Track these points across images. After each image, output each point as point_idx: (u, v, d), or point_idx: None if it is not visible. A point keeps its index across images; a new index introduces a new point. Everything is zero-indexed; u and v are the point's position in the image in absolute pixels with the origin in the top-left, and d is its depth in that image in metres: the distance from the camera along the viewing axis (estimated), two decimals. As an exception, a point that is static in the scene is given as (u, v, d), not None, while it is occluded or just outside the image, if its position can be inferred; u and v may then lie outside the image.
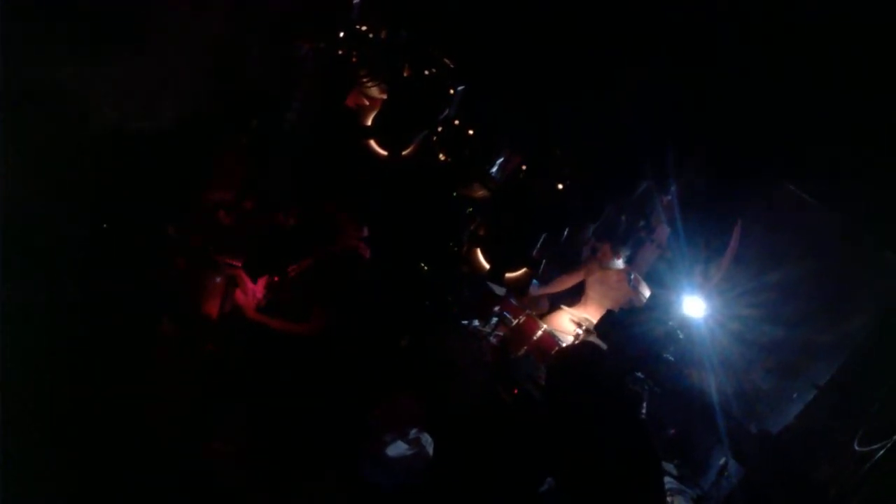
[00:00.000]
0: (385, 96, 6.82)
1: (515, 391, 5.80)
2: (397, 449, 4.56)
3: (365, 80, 6.75)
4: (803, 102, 5.52)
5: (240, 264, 4.91)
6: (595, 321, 6.43)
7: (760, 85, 5.65)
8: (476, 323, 6.52)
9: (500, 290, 6.76)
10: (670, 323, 6.04)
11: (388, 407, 4.85)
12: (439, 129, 6.66)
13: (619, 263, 6.86)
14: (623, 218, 7.14)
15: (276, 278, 4.87)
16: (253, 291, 4.81)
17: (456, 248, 6.55)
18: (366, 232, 4.98)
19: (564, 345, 6.18)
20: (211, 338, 4.86)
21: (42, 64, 4.74)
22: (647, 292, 6.87)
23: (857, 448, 5.18)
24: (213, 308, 4.91)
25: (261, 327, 4.65)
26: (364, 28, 6.64)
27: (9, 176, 4.39)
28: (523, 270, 6.61)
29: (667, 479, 5.50)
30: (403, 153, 6.76)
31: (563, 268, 7.16)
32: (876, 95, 5.16)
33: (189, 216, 5.34)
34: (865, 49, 5.00)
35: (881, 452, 5.00)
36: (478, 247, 6.63)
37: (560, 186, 6.27)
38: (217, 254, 5.00)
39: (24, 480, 3.57)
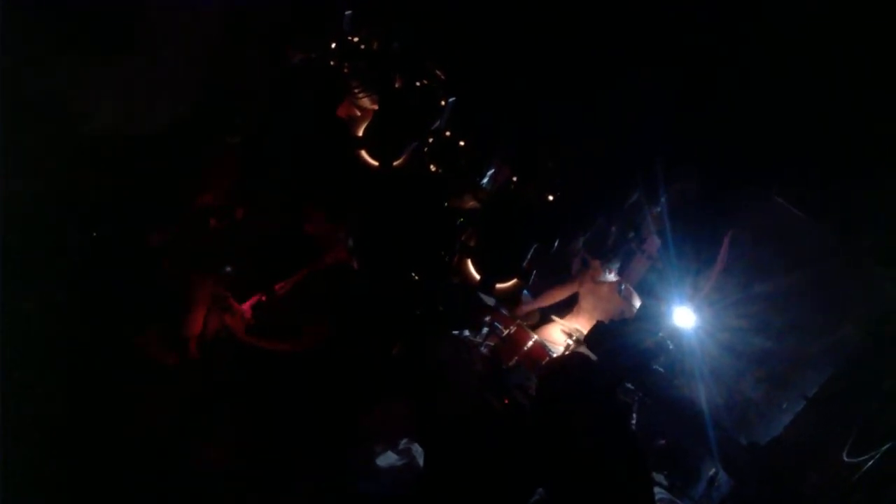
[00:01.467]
0: (376, 107, 6.83)
1: (506, 401, 5.79)
2: (387, 459, 4.55)
3: (356, 90, 6.75)
4: (791, 115, 5.56)
5: (226, 288, 4.86)
6: (585, 332, 6.44)
7: (749, 97, 5.70)
8: (467, 333, 6.52)
9: (490, 301, 6.77)
10: (660, 334, 6.06)
11: (378, 417, 4.84)
12: (430, 139, 6.67)
13: (611, 277, 6.89)
14: (613, 229, 7.17)
15: (263, 298, 4.84)
16: (241, 313, 4.76)
17: (447, 259, 6.56)
18: (350, 242, 4.96)
19: (555, 355, 6.19)
20: (200, 351, 4.84)
21: (37, 67, 4.75)
22: (637, 303, 6.89)
23: (846, 458, 5.20)
24: (200, 320, 4.89)
25: (251, 347, 4.61)
26: (356, 39, 6.66)
27: (2, 178, 4.39)
28: (514, 281, 6.62)
29: (657, 489, 5.50)
30: (394, 164, 6.76)
31: (553, 279, 7.18)
32: (863, 108, 5.21)
33: (181, 222, 5.33)
34: (854, 63, 5.04)
35: (870, 463, 5.02)
36: (468, 257, 6.64)
37: (550, 197, 6.29)
38: (205, 270, 4.98)
39: (21, 483, 3.57)
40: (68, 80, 4.94)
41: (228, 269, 5.01)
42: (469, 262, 6.64)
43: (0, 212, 4.24)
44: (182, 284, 4.91)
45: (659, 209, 6.79)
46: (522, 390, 5.98)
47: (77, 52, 4.91)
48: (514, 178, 6.43)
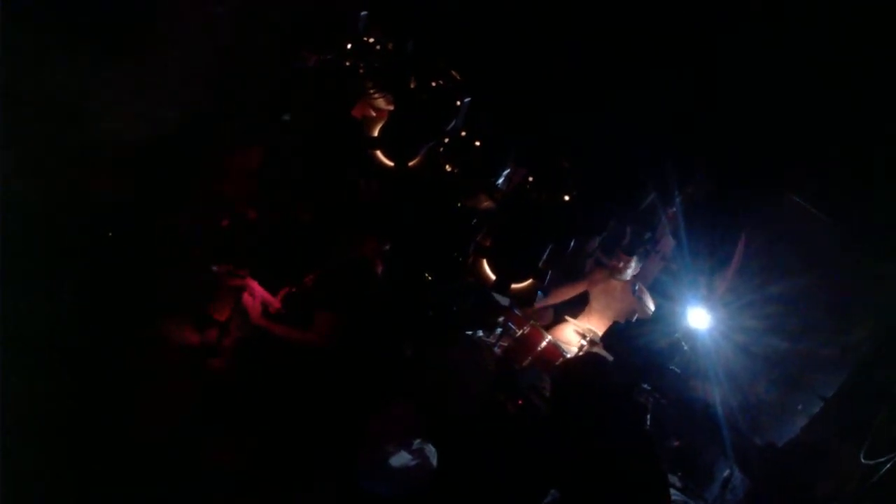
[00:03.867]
0: (392, 107, 6.84)
1: (520, 402, 5.80)
2: (400, 459, 4.56)
3: (372, 91, 6.77)
4: (805, 114, 5.53)
5: (246, 273, 4.90)
6: (600, 332, 6.44)
7: (763, 97, 5.67)
8: (480, 333, 6.52)
9: (504, 301, 6.76)
10: (675, 334, 6.05)
11: (391, 417, 4.85)
12: (446, 140, 6.67)
13: (629, 274, 6.86)
14: (628, 230, 7.16)
15: (293, 288, 4.88)
16: (261, 296, 4.80)
17: (461, 259, 6.56)
18: (387, 246, 5.01)
19: (569, 356, 6.18)
20: (215, 343, 4.87)
21: (46, 68, 4.78)
22: (651, 304, 6.88)
23: (862, 460, 5.18)
24: (218, 313, 4.93)
25: (266, 334, 4.65)
26: (371, 40, 6.67)
27: (11, 181, 4.42)
28: (529, 282, 6.61)
29: (671, 491, 5.50)
30: (410, 164, 6.77)
31: (568, 279, 7.17)
32: (878, 107, 5.18)
33: (194, 221, 5.37)
34: (867, 61, 5.01)
35: (887, 465, 5.00)
36: (483, 257, 6.64)
37: (566, 198, 6.27)
38: (222, 260, 5.02)
39: (26, 488, 3.59)
40: (77, 80, 4.96)
41: (249, 263, 5.06)
42: (484, 263, 6.64)
43: (2, 214, 4.26)
44: (200, 281, 4.96)
45: (673, 209, 6.78)
46: (536, 391, 5.98)
47: (88, 52, 4.94)
48: (530, 179, 6.41)
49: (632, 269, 6.83)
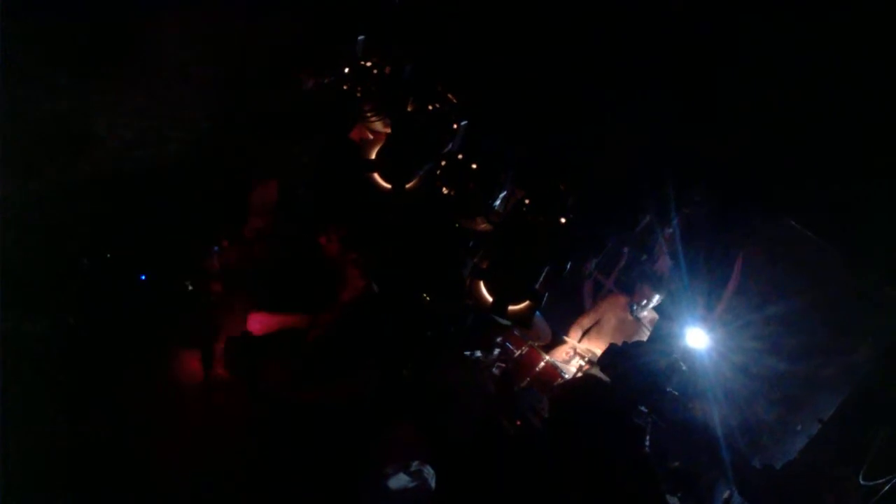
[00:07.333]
0: (389, 130, 6.88)
1: (518, 423, 5.79)
2: (399, 481, 4.55)
3: (369, 114, 6.81)
4: (804, 138, 5.56)
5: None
6: (597, 353, 6.43)
7: (762, 119, 5.70)
8: (478, 354, 6.52)
9: (502, 322, 6.76)
10: (673, 355, 6.04)
11: (390, 438, 4.84)
12: (442, 162, 6.70)
13: (649, 307, 6.87)
14: (626, 251, 7.16)
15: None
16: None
17: (458, 281, 6.57)
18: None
19: (567, 377, 6.18)
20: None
21: (54, 92, 4.83)
22: (649, 324, 6.88)
23: (861, 482, 5.16)
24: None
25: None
26: (368, 64, 6.73)
27: (18, 202, 4.45)
28: (526, 303, 6.62)
29: (671, 512, 5.47)
30: (407, 186, 6.80)
31: (566, 301, 7.17)
32: (876, 132, 5.21)
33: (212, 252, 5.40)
34: (868, 85, 5.05)
35: (886, 487, 4.98)
36: (480, 279, 6.65)
37: (563, 220, 6.30)
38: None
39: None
40: (83, 105, 5.01)
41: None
42: (481, 285, 6.65)
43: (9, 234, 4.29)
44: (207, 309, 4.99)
45: (671, 230, 6.79)
46: (535, 412, 5.97)
47: (96, 78, 5.00)
48: (527, 201, 6.44)
49: (653, 303, 6.86)
